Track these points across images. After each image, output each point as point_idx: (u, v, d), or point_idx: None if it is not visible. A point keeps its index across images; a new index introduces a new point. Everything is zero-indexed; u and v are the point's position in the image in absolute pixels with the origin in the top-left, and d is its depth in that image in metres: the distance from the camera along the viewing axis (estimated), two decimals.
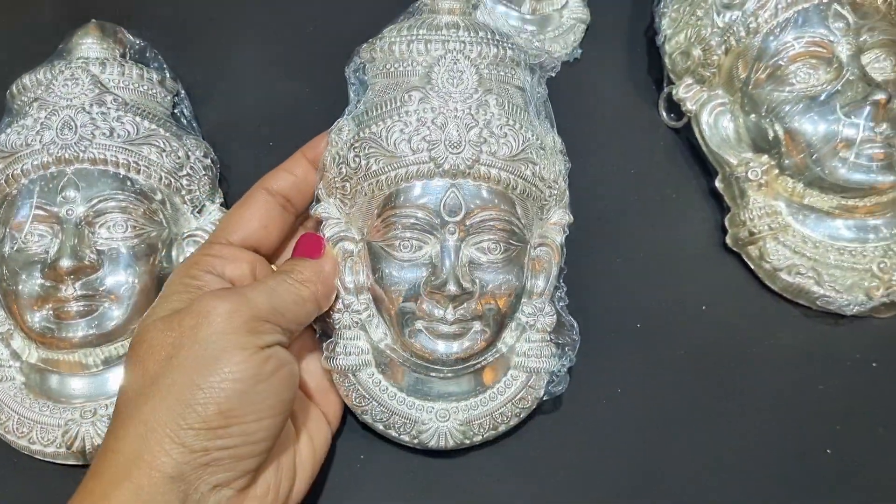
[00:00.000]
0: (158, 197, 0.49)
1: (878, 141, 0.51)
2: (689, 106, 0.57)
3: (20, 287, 0.46)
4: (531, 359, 0.46)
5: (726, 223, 0.55)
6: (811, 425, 0.50)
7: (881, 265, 0.52)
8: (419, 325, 0.44)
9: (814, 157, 0.52)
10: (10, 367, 0.48)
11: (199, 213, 0.52)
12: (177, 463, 0.36)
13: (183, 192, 0.51)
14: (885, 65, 0.53)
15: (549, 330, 0.47)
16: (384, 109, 0.44)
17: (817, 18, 0.53)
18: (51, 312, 0.46)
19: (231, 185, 0.57)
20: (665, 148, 0.59)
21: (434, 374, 0.46)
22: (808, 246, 0.53)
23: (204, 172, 0.52)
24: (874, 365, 0.52)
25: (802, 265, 0.53)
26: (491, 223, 0.43)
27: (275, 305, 0.41)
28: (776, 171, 0.54)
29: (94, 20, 0.56)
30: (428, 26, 0.47)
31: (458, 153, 0.42)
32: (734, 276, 0.55)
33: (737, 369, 0.52)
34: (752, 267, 0.54)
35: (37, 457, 0.47)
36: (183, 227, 0.51)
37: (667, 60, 0.58)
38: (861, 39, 0.52)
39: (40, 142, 0.47)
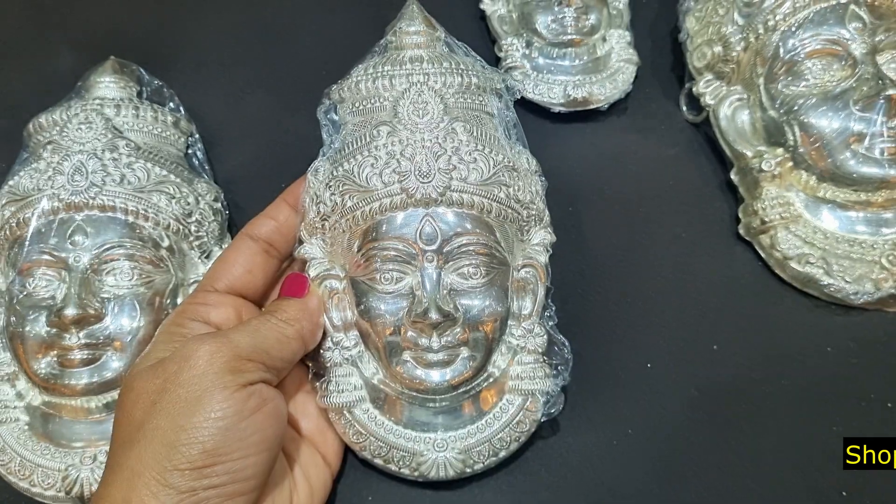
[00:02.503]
0: (166, 243, 0.50)
1: (890, 136, 0.52)
2: (709, 100, 0.59)
3: (26, 332, 0.47)
4: (525, 381, 0.46)
5: (739, 213, 0.57)
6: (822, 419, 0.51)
7: (890, 258, 0.53)
8: (406, 355, 0.45)
9: (826, 150, 0.54)
10: (14, 407, 0.49)
11: (206, 258, 0.52)
12: None
13: (191, 238, 0.51)
14: None
15: (540, 351, 0.47)
16: (355, 147, 0.45)
17: (834, 18, 0.54)
18: (55, 360, 0.47)
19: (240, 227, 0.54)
20: (684, 142, 0.61)
21: (430, 405, 0.46)
22: (819, 236, 0.55)
23: (213, 217, 0.53)
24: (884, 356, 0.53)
25: (812, 255, 0.54)
26: (469, 247, 0.43)
27: (257, 344, 0.41)
28: (790, 163, 0.56)
29: (112, 58, 0.57)
30: (392, 62, 0.47)
31: (429, 182, 0.42)
32: (746, 266, 0.57)
33: (745, 363, 0.53)
34: (763, 256, 0.56)
35: (37, 499, 0.48)
36: (190, 273, 0.51)
37: (689, 57, 0.61)
38: (877, 39, 0.54)
39: (52, 187, 0.48)
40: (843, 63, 0.54)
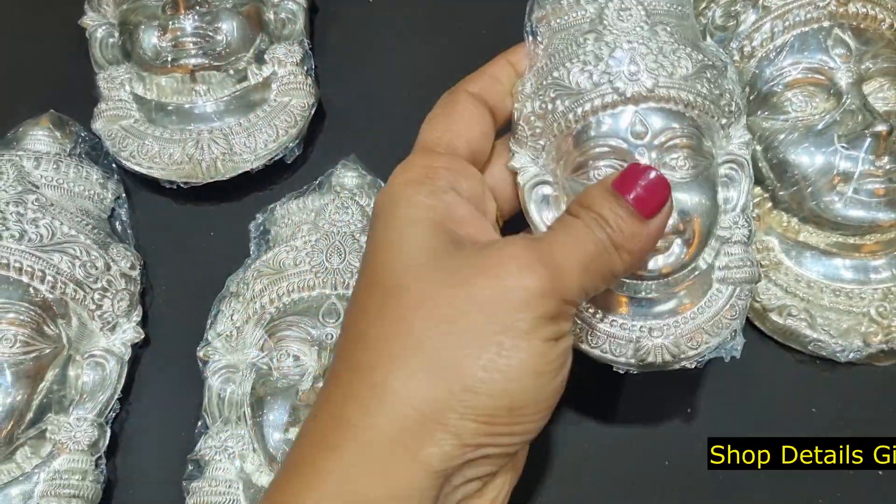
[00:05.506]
0: (63, 311, 0.45)
1: (878, 175, 0.48)
2: None
3: None
4: (732, 270, 0.45)
5: None
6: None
7: (880, 309, 0.48)
8: None
9: (809, 190, 0.49)
10: None
11: (110, 330, 0.47)
12: (445, 457, 0.31)
13: (92, 308, 0.46)
14: (888, 94, 0.50)
15: (745, 241, 0.45)
16: (561, 56, 0.45)
17: (816, 44, 0.49)
18: None
19: (154, 300, 0.51)
20: None
21: (639, 294, 0.45)
22: (802, 286, 0.50)
23: (124, 287, 0.47)
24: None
25: (794, 306, 0.49)
26: (676, 140, 0.43)
27: (585, 287, 0.35)
28: (769, 204, 0.51)
29: (51, 111, 0.53)
30: None
31: (637, 79, 0.43)
32: None
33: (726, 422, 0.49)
34: None
35: None
36: (87, 345, 0.46)
37: None
38: (863, 67, 0.49)
39: None
40: (827, 94, 0.49)
